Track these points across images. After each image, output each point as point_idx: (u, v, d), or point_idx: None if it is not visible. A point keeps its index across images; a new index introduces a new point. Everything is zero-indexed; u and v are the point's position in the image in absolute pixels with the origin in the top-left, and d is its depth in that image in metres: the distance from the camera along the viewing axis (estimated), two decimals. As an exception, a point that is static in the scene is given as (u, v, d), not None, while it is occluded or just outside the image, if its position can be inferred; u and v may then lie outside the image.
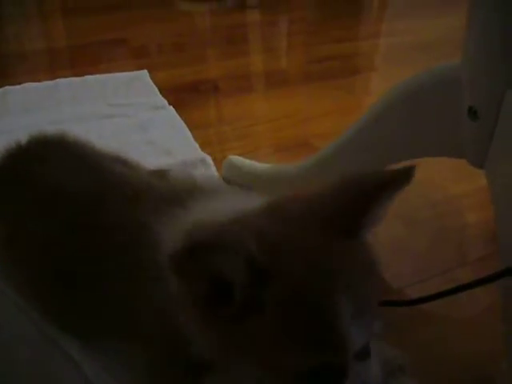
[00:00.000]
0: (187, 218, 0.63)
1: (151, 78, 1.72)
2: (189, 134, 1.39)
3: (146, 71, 1.76)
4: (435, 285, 0.86)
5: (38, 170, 0.79)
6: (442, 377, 0.67)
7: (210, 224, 0.55)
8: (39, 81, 1.66)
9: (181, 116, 1.48)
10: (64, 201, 0.74)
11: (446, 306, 0.83)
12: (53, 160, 0.81)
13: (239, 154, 1.26)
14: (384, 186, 0.54)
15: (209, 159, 1.25)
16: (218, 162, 1.25)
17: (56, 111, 1.50)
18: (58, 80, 1.67)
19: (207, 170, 1.22)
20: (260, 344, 0.51)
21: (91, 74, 1.72)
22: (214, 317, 0.53)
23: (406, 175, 0.55)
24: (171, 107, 1.53)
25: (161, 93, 1.62)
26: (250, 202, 0.61)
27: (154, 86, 1.67)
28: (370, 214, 0.54)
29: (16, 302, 0.78)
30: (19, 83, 1.63)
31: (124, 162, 0.91)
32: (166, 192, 0.72)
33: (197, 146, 1.32)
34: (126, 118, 1.47)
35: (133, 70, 1.77)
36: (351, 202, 0.54)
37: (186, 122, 1.45)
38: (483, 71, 0.77)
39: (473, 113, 0.79)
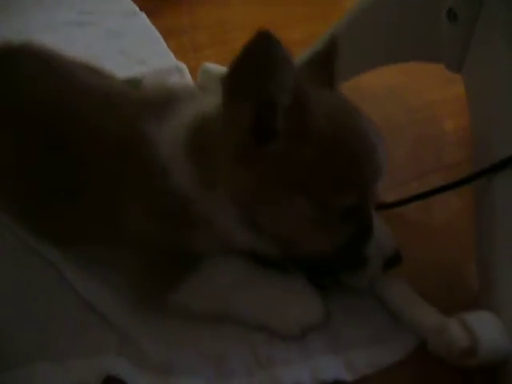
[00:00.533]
0: (181, 117, 0.64)
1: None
2: (162, 41, 1.35)
3: (114, -26, 1.66)
4: (411, 189, 0.88)
5: (4, 82, 0.77)
6: (414, 280, 0.70)
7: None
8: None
9: (153, 23, 1.43)
10: (35, 111, 0.73)
11: (420, 209, 0.85)
12: (20, 70, 0.78)
13: (214, 62, 1.23)
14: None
15: (184, 67, 1.21)
16: (193, 70, 1.22)
17: (21, 20, 1.42)
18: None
19: (182, 77, 1.19)
20: (312, 175, 0.57)
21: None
22: (260, 155, 0.57)
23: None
24: (143, 13, 1.47)
25: (131, -2, 1.55)
26: None
27: (124, -10, 1.58)
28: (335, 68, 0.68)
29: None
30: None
31: (94, 71, 0.88)
32: (144, 98, 0.72)
33: (171, 54, 1.28)
34: (97, 25, 1.41)
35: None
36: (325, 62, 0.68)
37: (158, 29, 1.40)
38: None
39: (452, 15, 0.77)
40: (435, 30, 0.81)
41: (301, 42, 1.29)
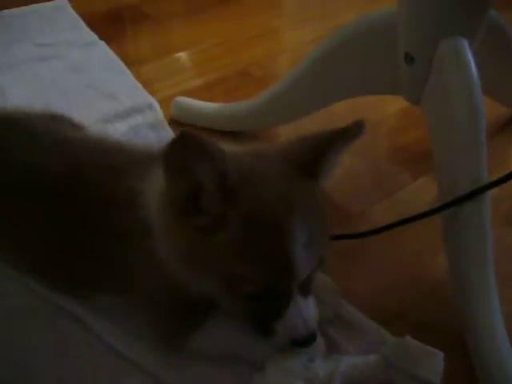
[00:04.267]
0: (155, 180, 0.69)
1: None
2: (128, 72, 1.38)
3: (65, 0, 1.68)
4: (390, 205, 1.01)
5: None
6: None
7: None
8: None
9: (114, 51, 1.46)
10: (36, 180, 0.78)
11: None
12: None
13: (182, 90, 1.30)
14: (337, 136, 0.65)
15: (155, 103, 1.26)
16: (162, 102, 1.27)
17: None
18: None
19: (154, 114, 1.24)
20: (221, 257, 0.61)
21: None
22: (188, 226, 0.63)
23: (357, 128, 0.66)
24: (103, 42, 1.50)
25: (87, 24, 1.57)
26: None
27: (79, 18, 1.61)
28: (328, 159, 0.66)
29: (12, 275, 0.83)
30: None
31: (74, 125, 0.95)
32: (135, 155, 0.79)
33: (139, 86, 1.33)
34: (60, 58, 1.43)
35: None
36: (313, 149, 0.66)
37: (120, 58, 1.43)
38: (417, 21, 0.84)
39: (409, 59, 0.87)
40: (395, 69, 0.91)
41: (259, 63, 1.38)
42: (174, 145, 0.56)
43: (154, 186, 0.68)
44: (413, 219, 0.82)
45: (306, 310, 0.66)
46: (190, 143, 0.56)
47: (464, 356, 0.76)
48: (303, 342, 0.67)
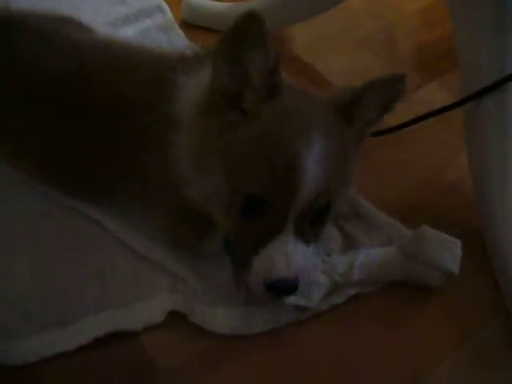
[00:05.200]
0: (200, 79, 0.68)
1: None
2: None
3: None
4: (405, 106, 0.96)
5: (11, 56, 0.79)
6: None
7: None
8: None
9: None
10: (50, 83, 0.76)
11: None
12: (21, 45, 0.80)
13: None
14: (376, 85, 0.64)
15: (164, 5, 1.21)
16: (172, 3, 1.22)
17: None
18: None
19: (164, 16, 1.19)
20: (234, 155, 0.61)
21: None
22: (215, 121, 0.62)
23: (397, 82, 0.65)
24: None
25: None
26: None
27: None
28: (363, 106, 0.64)
29: (31, 184, 0.84)
30: None
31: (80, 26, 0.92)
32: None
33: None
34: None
35: None
36: (352, 94, 0.64)
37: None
38: None
39: None
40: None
41: None
42: (237, 25, 0.56)
43: (196, 80, 0.68)
44: (436, 113, 0.80)
45: (293, 251, 0.60)
46: (253, 26, 0.56)
47: (482, 251, 0.77)
48: (279, 286, 0.60)
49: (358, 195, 0.81)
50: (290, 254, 0.59)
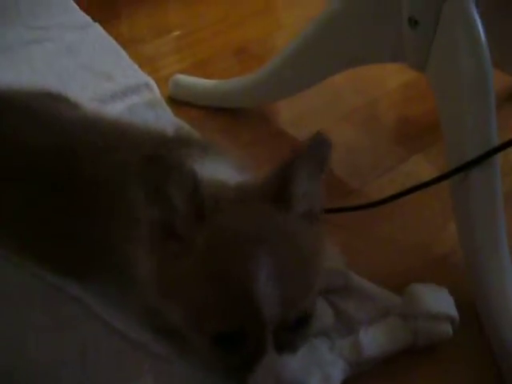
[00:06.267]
0: None
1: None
2: (123, 53, 1.35)
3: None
4: (391, 179, 0.98)
5: None
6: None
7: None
8: None
9: (109, 32, 1.42)
10: (34, 160, 0.75)
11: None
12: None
13: (179, 70, 1.27)
14: (299, 159, 0.58)
15: (152, 82, 1.23)
16: (160, 81, 1.24)
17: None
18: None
19: (152, 93, 1.21)
20: (185, 286, 0.56)
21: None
22: (163, 251, 0.58)
23: (318, 143, 0.59)
24: (97, 24, 1.46)
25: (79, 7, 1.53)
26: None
27: (72, 1, 1.56)
28: (295, 186, 0.58)
29: (13, 261, 0.81)
30: None
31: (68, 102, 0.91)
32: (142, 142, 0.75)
33: (135, 66, 1.29)
34: (54, 41, 1.38)
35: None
36: (278, 178, 0.59)
37: (115, 39, 1.39)
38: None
39: (413, 22, 0.84)
40: (398, 34, 0.88)
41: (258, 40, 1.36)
42: (145, 168, 0.54)
43: None
44: (422, 186, 0.80)
45: (281, 370, 0.55)
46: (160, 165, 0.54)
47: (477, 327, 0.75)
48: None
49: (347, 269, 0.79)
50: (279, 376, 0.55)
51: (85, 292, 0.77)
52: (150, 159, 0.54)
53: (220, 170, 0.66)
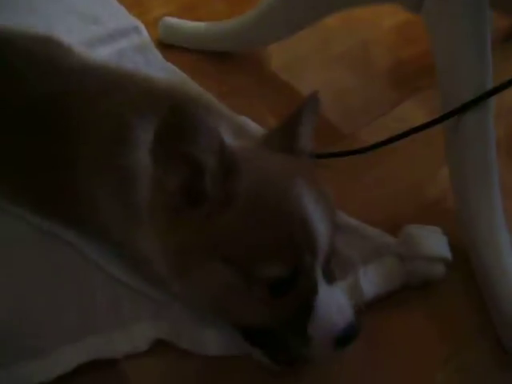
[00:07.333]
0: None
1: None
2: (110, -5, 1.30)
3: None
4: (383, 123, 0.98)
5: None
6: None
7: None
8: None
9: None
10: (32, 105, 0.75)
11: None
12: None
13: (167, 13, 1.23)
14: (300, 111, 0.65)
15: (141, 26, 1.19)
16: (149, 24, 1.20)
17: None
18: None
19: (140, 36, 1.18)
20: (233, 241, 0.55)
21: None
22: (181, 221, 0.58)
23: (312, 102, 0.67)
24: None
25: None
26: None
27: None
28: (299, 132, 0.65)
29: (7, 209, 0.81)
30: None
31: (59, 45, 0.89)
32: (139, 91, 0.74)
33: (123, 9, 1.25)
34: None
35: None
36: (283, 129, 0.66)
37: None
38: None
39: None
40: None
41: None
42: (165, 127, 0.53)
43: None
44: (415, 130, 0.80)
45: (338, 297, 0.58)
46: (183, 119, 0.52)
47: (468, 272, 0.76)
48: (348, 336, 0.57)
49: (339, 211, 0.80)
50: (338, 301, 0.58)
51: (80, 239, 0.77)
52: (173, 114, 0.52)
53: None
